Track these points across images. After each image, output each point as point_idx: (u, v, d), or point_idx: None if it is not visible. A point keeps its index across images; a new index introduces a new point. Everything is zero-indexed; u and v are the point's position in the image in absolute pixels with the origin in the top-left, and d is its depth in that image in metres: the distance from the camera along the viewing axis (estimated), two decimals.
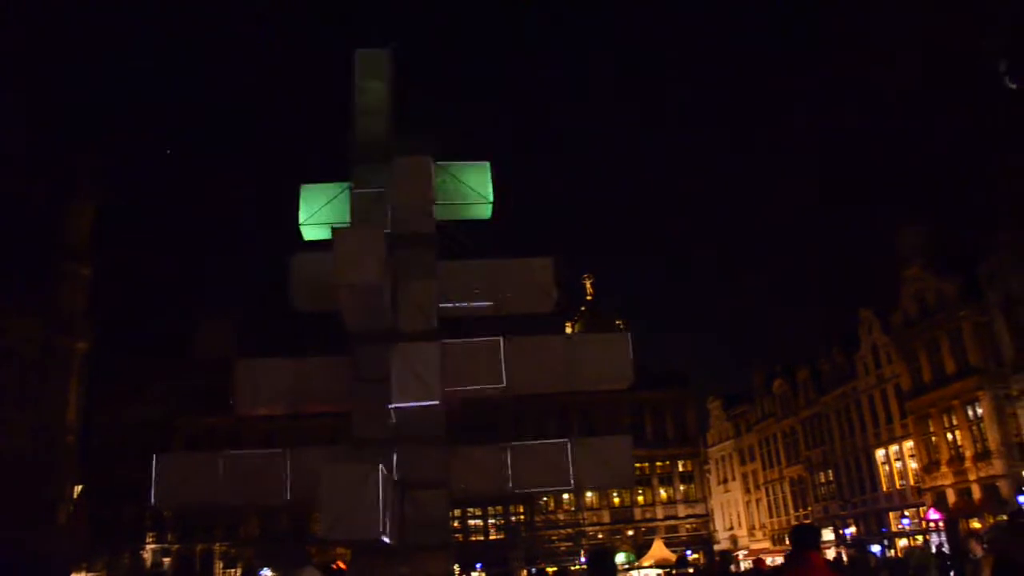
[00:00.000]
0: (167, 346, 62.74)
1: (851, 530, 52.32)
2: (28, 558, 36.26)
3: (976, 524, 39.70)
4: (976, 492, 40.63)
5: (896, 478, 48.77)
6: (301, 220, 16.24)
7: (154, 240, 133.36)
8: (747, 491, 68.73)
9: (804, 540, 6.75)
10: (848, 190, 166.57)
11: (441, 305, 15.58)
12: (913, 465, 46.67)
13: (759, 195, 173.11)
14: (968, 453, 41.45)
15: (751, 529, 67.31)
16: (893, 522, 47.93)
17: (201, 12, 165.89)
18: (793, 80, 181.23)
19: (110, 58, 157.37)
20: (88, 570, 54.74)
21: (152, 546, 58.79)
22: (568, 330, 64.67)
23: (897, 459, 48.62)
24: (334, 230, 13.27)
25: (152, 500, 15.27)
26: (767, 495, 65.34)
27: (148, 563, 58.41)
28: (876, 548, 46.12)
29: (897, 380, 47.41)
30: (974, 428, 41.39)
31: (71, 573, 46.30)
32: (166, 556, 58.90)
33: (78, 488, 45.49)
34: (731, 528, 70.39)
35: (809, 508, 58.47)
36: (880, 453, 50.06)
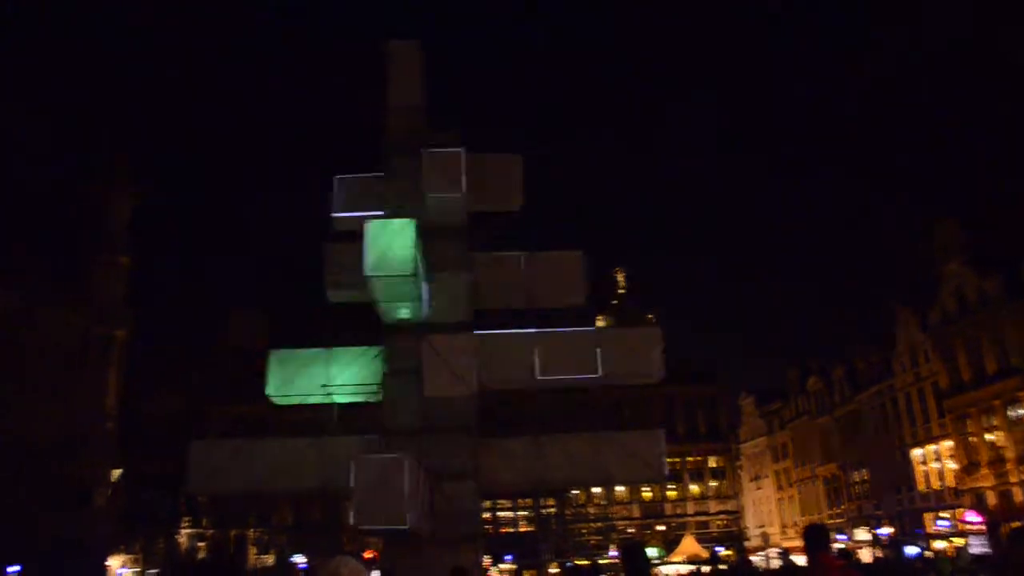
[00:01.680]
0: (201, 335, 63.60)
1: (885, 530, 51.66)
2: (68, 541, 37.01)
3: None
4: (1018, 495, 39.88)
5: (933, 478, 48.05)
6: (335, 211, 16.38)
7: (190, 231, 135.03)
8: (779, 488, 68.09)
9: (816, 542, 6.72)
10: (887, 185, 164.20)
11: (473, 296, 15.66)
12: (951, 465, 45.91)
13: (796, 191, 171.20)
14: (1009, 455, 40.66)
15: (783, 527, 66.66)
16: (929, 523, 47.21)
17: (235, 5, 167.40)
18: (829, 74, 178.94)
19: (147, 53, 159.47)
20: (125, 553, 55.69)
21: (187, 531, 59.66)
22: (599, 323, 64.53)
23: (934, 459, 47.90)
24: (367, 221, 13.37)
25: (187, 486, 15.55)
26: (800, 493, 64.70)
27: (183, 548, 59.28)
28: (912, 550, 45.49)
29: (935, 379, 46.65)
30: (1015, 429, 40.62)
31: (108, 556, 47.10)
32: (201, 541, 59.74)
33: (116, 473, 46.25)
34: (762, 526, 69.79)
35: (843, 507, 57.80)
36: (917, 452, 49.33)
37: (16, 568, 34.97)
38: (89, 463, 41.61)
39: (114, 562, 51.66)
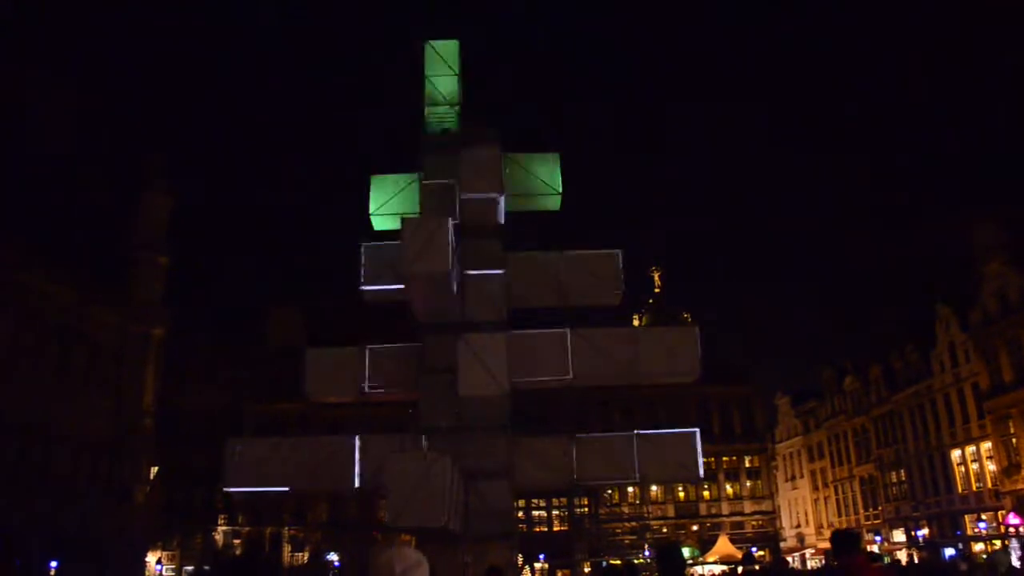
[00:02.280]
0: (239, 333, 64.28)
1: (923, 532, 50.90)
2: (107, 536, 37.64)
3: None
4: None
5: (972, 480, 47.27)
6: (371, 210, 16.47)
7: (227, 230, 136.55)
8: (815, 489, 67.38)
9: (843, 546, 6.69)
10: (928, 181, 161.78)
11: (508, 296, 15.68)
12: (991, 467, 45.15)
13: (833, 187, 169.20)
14: None
15: (819, 528, 65.94)
16: (968, 525, 46.45)
17: (274, 4, 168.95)
18: (865, 72, 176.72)
19: (181, 54, 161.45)
20: (162, 549, 56.52)
21: (223, 528, 60.38)
22: (635, 323, 64.28)
23: (974, 460, 47.11)
24: (403, 220, 13.44)
25: (224, 484, 15.74)
26: (836, 493, 63.98)
27: (219, 544, 59.99)
28: (950, 551, 44.77)
29: (975, 379, 45.91)
30: None
31: (147, 552, 47.82)
32: (236, 538, 60.42)
33: (154, 470, 46.92)
34: (798, 526, 69.12)
35: (880, 508, 57.07)
36: (956, 454, 48.57)
37: (55, 563, 35.60)
38: (128, 460, 42.29)
39: (152, 558, 52.46)
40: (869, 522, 57.81)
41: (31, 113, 37.89)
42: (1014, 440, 42.64)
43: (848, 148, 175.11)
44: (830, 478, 64.71)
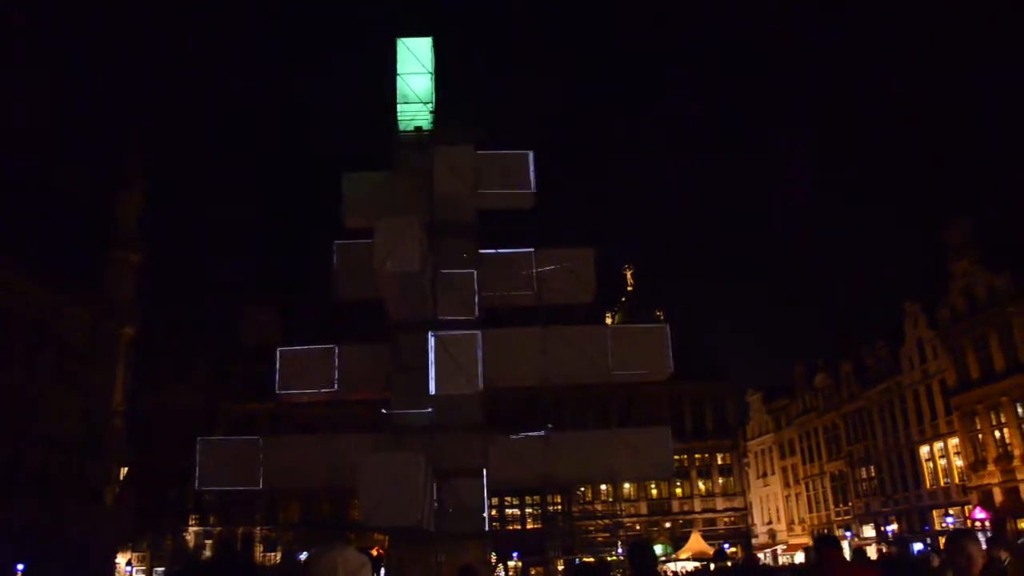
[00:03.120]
0: (212, 333, 63.69)
1: (893, 527, 51.52)
2: (76, 537, 37.18)
3: None
4: None
5: (940, 475, 47.93)
6: (343, 208, 16.42)
7: (199, 228, 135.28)
8: (787, 485, 68.01)
9: (827, 542, 7.97)
10: (897, 180, 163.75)
11: (481, 294, 15.68)
12: (958, 463, 45.81)
13: (802, 187, 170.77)
14: (1017, 451, 40.59)
15: (790, 524, 66.59)
16: (937, 520, 47.11)
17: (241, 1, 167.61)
18: (834, 66, 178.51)
19: (153, 51, 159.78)
20: (132, 550, 55.91)
21: (195, 528, 59.83)
22: (608, 321, 64.44)
23: (942, 456, 47.78)
24: (375, 219, 13.39)
25: (196, 484, 15.62)
26: (807, 490, 64.60)
27: (190, 545, 59.46)
28: (918, 545, 45.37)
29: (943, 375, 46.54)
30: (1023, 426, 40.55)
31: (117, 553, 47.29)
32: (208, 539, 59.90)
33: (124, 470, 46.42)
34: (770, 522, 69.72)
35: (850, 504, 57.71)
36: (924, 450, 49.23)
37: (22, 565, 35.11)
38: (98, 460, 41.83)
39: (122, 559, 51.90)
40: (839, 518, 58.47)
41: (2, 111, 37.34)
42: (980, 436, 43.28)
43: (821, 146, 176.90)
44: (801, 474, 65.33)
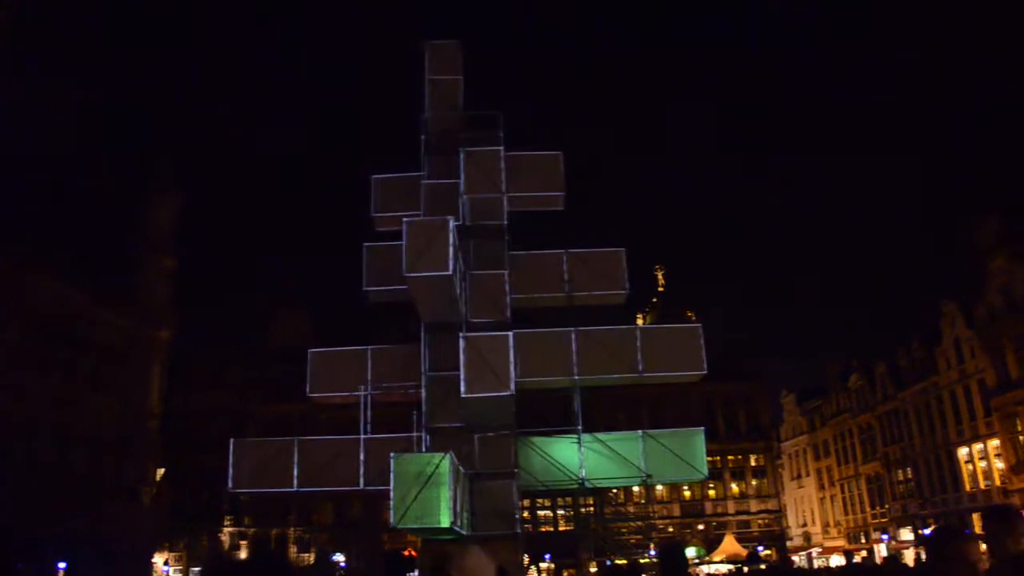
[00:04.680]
0: (244, 335, 64.31)
1: (931, 530, 50.75)
2: (114, 537, 37.71)
3: None
4: None
5: (980, 478, 47.11)
6: (373, 211, 16.47)
7: (232, 232, 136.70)
8: (821, 487, 67.26)
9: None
10: (933, 177, 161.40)
11: (512, 296, 15.65)
12: (999, 465, 45.00)
13: (838, 185, 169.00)
14: None
15: (825, 526, 65.85)
16: (977, 524, 46.30)
17: (274, 4, 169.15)
18: (870, 69, 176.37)
19: (187, 57, 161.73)
20: (169, 550, 56.57)
21: (229, 529, 60.40)
22: (639, 322, 64.16)
23: (981, 458, 46.94)
24: (405, 222, 13.41)
25: (229, 485, 15.74)
26: (842, 492, 63.84)
27: (225, 545, 60.03)
28: None
29: (981, 376, 45.73)
30: None
31: (154, 552, 47.87)
32: (242, 539, 60.44)
33: (160, 472, 46.99)
34: (804, 525, 68.99)
35: (886, 506, 56.89)
36: (963, 451, 48.39)
37: (63, 564, 35.69)
38: (134, 461, 42.38)
39: (159, 559, 52.53)
40: (876, 520, 57.68)
41: (38, 115, 37.95)
42: (1021, 437, 42.50)
43: (855, 146, 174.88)
44: (836, 476, 64.56)
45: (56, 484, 36.55)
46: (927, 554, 4.73)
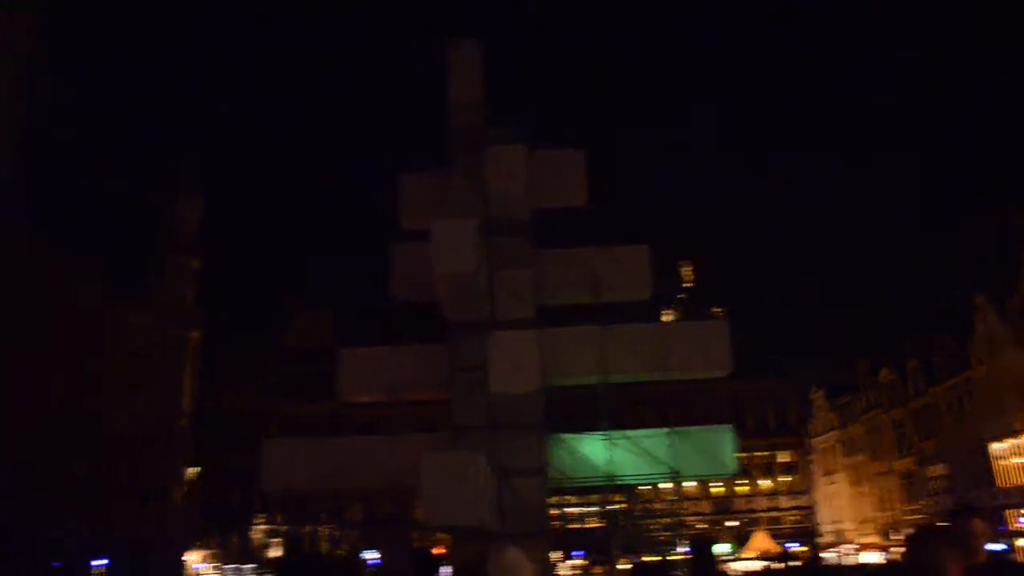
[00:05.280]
0: (272, 335, 64.84)
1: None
2: (149, 535, 38.23)
3: None
4: None
5: (1016, 473, 46.43)
6: (399, 210, 16.54)
7: (258, 232, 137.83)
8: (853, 483, 66.63)
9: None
10: (964, 171, 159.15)
11: (538, 294, 15.66)
12: None
13: (868, 178, 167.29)
14: None
15: (857, 523, 65.23)
16: (1011, 520, 45.61)
17: (297, 5, 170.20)
18: (899, 64, 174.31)
19: (212, 55, 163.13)
20: (202, 548, 57.19)
21: (261, 527, 60.95)
22: (665, 318, 63.95)
23: (1016, 454, 46.30)
24: (431, 220, 13.46)
25: (262, 484, 15.89)
26: (875, 488, 63.21)
27: (257, 543, 60.57)
28: (996, 546, 44.00)
29: (1016, 369, 45.08)
30: None
31: (186, 550, 48.43)
32: (274, 537, 60.97)
33: (192, 471, 47.52)
34: (836, 521, 68.39)
35: (920, 503, 56.25)
36: (997, 447, 47.75)
37: (104, 561, 36.24)
38: (166, 461, 42.91)
39: (192, 557, 53.11)
40: (909, 517, 57.00)
41: (67, 117, 38.50)
42: None
43: (883, 139, 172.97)
44: (868, 472, 63.92)
45: (89, 484, 37.12)
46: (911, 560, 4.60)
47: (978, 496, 45.22)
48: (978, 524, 4.78)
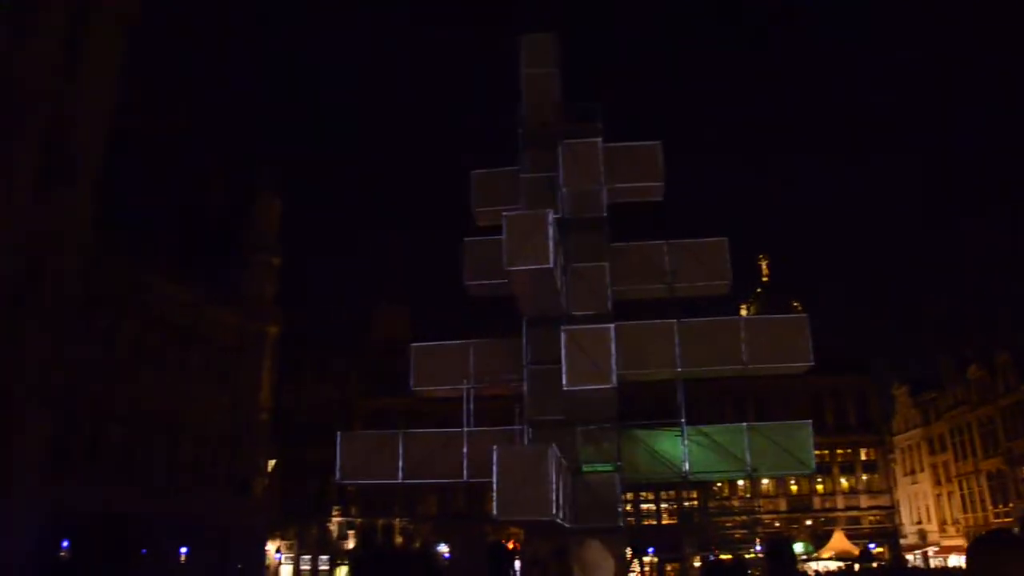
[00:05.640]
0: (348, 330, 65.96)
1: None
2: (230, 526, 39.30)
3: None
4: None
5: None
6: (473, 206, 16.60)
7: (334, 230, 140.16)
8: (937, 483, 64.50)
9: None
10: None
11: (613, 288, 15.53)
12: None
13: (952, 168, 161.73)
14: None
15: (942, 524, 63.14)
16: None
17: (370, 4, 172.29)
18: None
19: (289, 58, 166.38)
20: (281, 539, 58.55)
21: (338, 519, 62.09)
22: (743, 313, 62.85)
23: None
24: (504, 215, 13.46)
25: (337, 476, 16.15)
26: (960, 488, 61.07)
27: (334, 535, 61.74)
28: None
29: None
30: None
31: (266, 540, 49.64)
32: (351, 529, 62.04)
33: (271, 463, 48.65)
34: (919, 522, 66.34)
35: (1010, 505, 54.14)
36: None
37: (185, 550, 37.40)
38: (246, 453, 44.01)
39: (271, 546, 54.44)
40: (999, 520, 54.92)
41: (154, 122, 39.74)
42: None
43: (967, 129, 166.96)
44: (953, 472, 61.83)
45: (175, 475, 38.31)
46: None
47: None
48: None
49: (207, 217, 45.20)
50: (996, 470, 56.11)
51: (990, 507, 56.84)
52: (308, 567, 61.16)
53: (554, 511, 12.04)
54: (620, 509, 14.91)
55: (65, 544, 31.23)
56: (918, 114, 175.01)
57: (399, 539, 61.93)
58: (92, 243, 30.59)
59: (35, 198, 28.19)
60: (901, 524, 66.21)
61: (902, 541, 62.95)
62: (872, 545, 57.14)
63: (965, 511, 59.85)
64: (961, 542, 57.25)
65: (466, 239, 16.01)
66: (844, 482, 64.01)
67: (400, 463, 15.44)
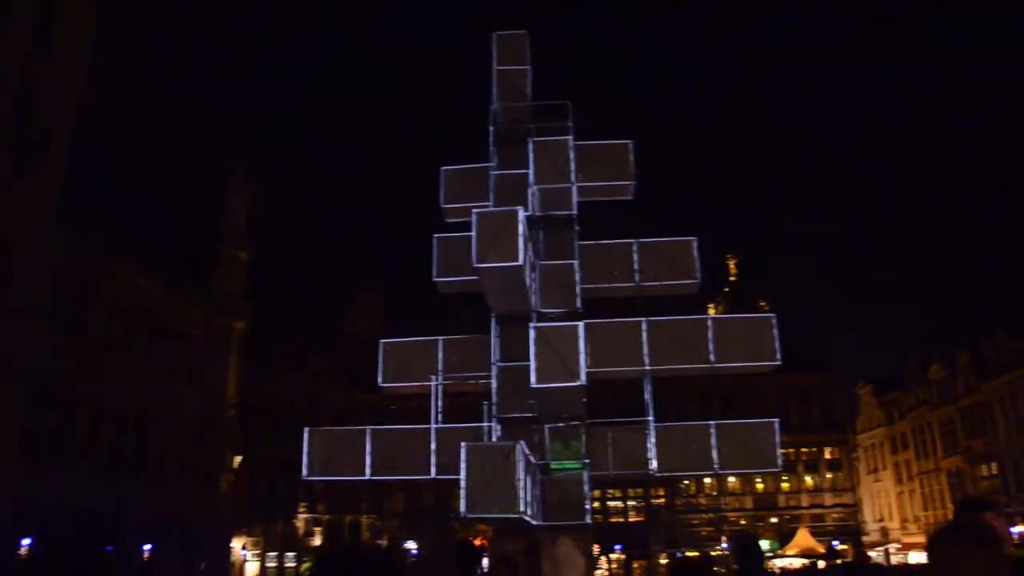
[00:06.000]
0: (316, 325, 65.58)
1: (1019, 528, 49.02)
2: (196, 522, 38.89)
3: None
4: None
5: None
6: (442, 202, 16.58)
7: (304, 225, 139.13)
8: (899, 482, 65.52)
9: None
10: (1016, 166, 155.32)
11: (582, 286, 15.59)
12: None
13: (915, 169, 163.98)
14: None
15: (903, 522, 64.14)
16: None
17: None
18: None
19: (259, 53, 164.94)
20: (247, 535, 58.08)
21: (304, 515, 61.73)
22: (711, 312, 63.31)
23: None
24: (474, 212, 13.45)
25: (303, 473, 16.05)
26: (921, 487, 62.09)
27: (301, 532, 61.38)
28: None
29: None
30: None
31: (232, 537, 49.20)
32: (317, 526, 61.72)
33: (237, 459, 48.23)
34: (881, 520, 67.31)
35: None
36: None
37: (149, 547, 36.95)
38: (213, 448, 43.59)
39: (237, 543, 53.99)
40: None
41: (121, 112, 39.20)
42: None
43: (940, 133, 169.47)
44: (915, 471, 62.84)
45: (139, 470, 37.85)
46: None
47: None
48: (990, 518, 4.57)
49: (177, 209, 44.67)
50: (956, 468, 57.09)
51: (950, 505, 57.79)
52: (274, 564, 60.73)
53: (522, 508, 12.07)
54: (588, 506, 14.97)
55: (28, 542, 30.59)
56: (887, 110, 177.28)
57: (366, 536, 61.72)
58: (60, 234, 30.15)
59: (2, 186, 27.72)
60: (864, 521, 67.15)
61: (864, 538, 63.84)
62: (835, 542, 57.88)
63: (926, 509, 60.85)
64: (921, 539, 58.16)
65: (436, 235, 15.97)
66: (809, 480, 64.78)
67: (367, 459, 15.37)
